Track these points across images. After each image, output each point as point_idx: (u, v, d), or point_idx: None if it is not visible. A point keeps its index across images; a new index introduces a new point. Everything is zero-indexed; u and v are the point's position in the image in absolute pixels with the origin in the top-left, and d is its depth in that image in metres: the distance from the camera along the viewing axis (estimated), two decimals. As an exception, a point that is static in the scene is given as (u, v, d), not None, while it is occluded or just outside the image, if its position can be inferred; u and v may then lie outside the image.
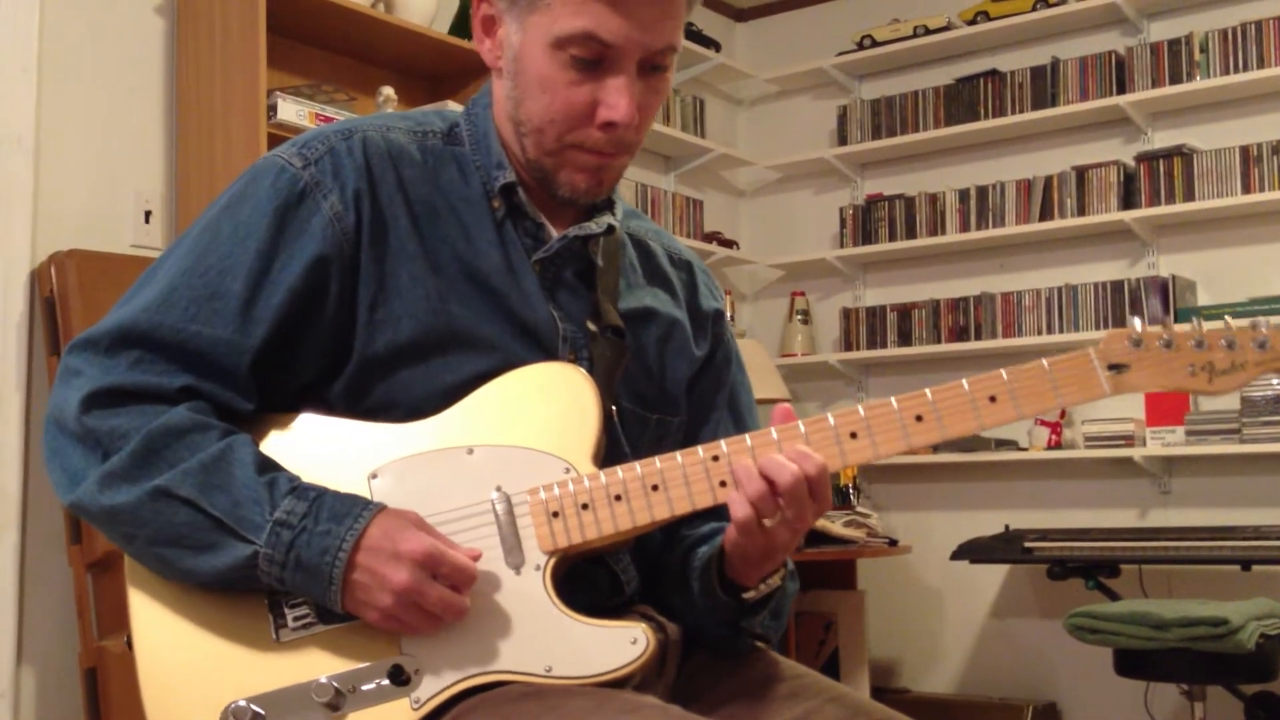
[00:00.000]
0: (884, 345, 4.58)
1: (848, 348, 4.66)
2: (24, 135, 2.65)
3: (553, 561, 1.19)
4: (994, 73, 4.45)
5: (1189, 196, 4.03)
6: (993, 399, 1.18)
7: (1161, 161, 4.10)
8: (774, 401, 3.66)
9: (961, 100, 4.50)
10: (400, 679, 1.16)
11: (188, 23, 2.92)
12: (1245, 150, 3.96)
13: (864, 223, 4.68)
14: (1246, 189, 3.95)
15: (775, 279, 4.99)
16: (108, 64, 2.85)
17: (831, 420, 1.19)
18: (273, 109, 2.86)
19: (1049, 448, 4.21)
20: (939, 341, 4.47)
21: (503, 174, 1.31)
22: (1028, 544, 3.81)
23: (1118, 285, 4.14)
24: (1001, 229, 4.36)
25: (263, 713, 1.16)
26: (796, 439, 1.18)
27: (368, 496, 1.19)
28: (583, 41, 1.21)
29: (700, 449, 1.20)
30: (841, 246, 4.72)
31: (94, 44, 2.83)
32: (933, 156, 4.66)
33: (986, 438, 4.25)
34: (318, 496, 1.16)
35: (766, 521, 1.18)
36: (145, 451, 1.16)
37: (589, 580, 1.28)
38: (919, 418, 1.18)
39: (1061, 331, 4.22)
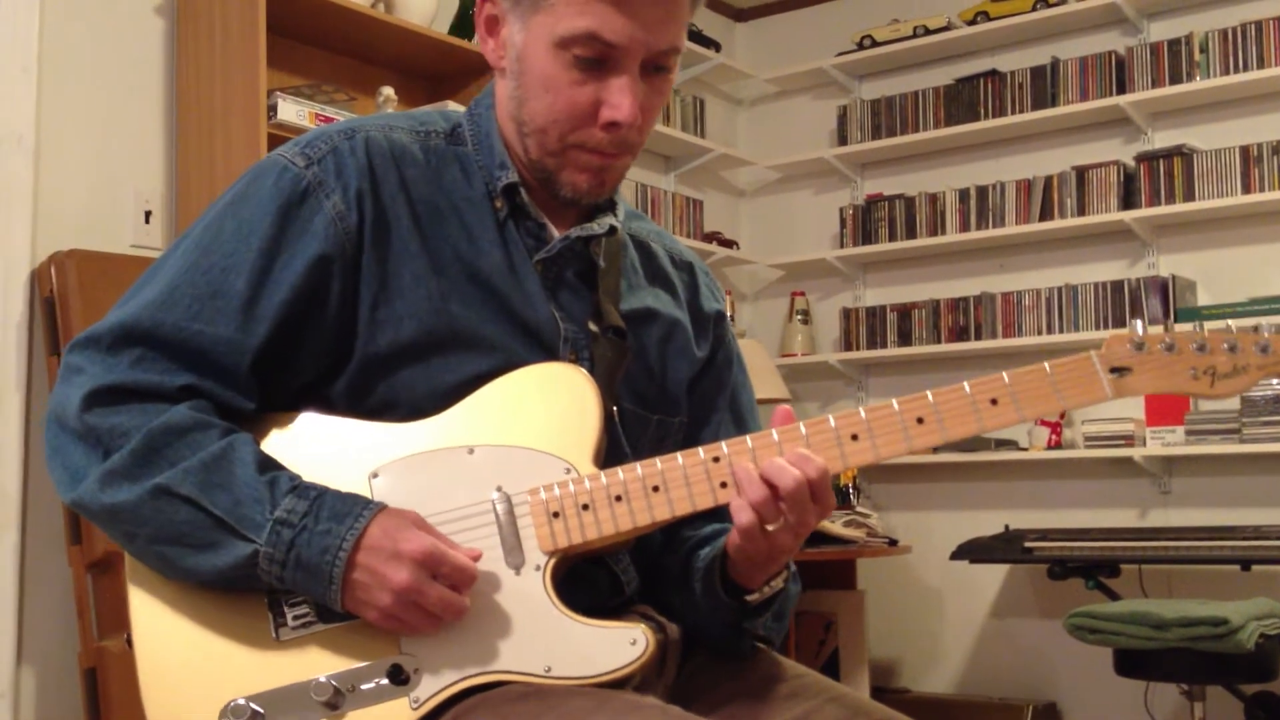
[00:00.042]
0: (884, 345, 4.58)
1: (848, 348, 4.65)
2: (24, 135, 2.65)
3: (553, 562, 1.19)
4: (994, 73, 4.44)
5: (1189, 196, 4.03)
6: (994, 401, 1.18)
7: (1161, 161, 4.09)
8: (774, 402, 3.66)
9: (961, 100, 4.49)
10: (399, 678, 1.16)
11: (188, 23, 2.92)
12: (1245, 150, 3.96)
13: (864, 223, 4.68)
14: (1246, 189, 3.94)
15: (775, 279, 4.98)
16: (108, 64, 2.85)
17: (832, 422, 1.19)
18: (273, 109, 2.86)
19: (1049, 448, 4.21)
20: (939, 341, 4.46)
21: (505, 174, 1.31)
22: (1028, 544, 3.81)
23: (1118, 285, 4.13)
24: (1001, 229, 4.35)
25: (262, 711, 1.16)
26: (797, 441, 1.18)
27: (368, 496, 1.19)
28: (586, 41, 1.21)
29: (701, 450, 1.20)
30: (841, 246, 4.71)
31: (94, 44, 2.83)
32: (933, 156, 4.65)
33: (986, 438, 4.24)
34: (318, 496, 1.16)
35: (769, 526, 1.18)
36: (146, 450, 1.16)
37: (589, 581, 1.28)
38: (920, 420, 1.18)
39: (1061, 332, 4.22)
